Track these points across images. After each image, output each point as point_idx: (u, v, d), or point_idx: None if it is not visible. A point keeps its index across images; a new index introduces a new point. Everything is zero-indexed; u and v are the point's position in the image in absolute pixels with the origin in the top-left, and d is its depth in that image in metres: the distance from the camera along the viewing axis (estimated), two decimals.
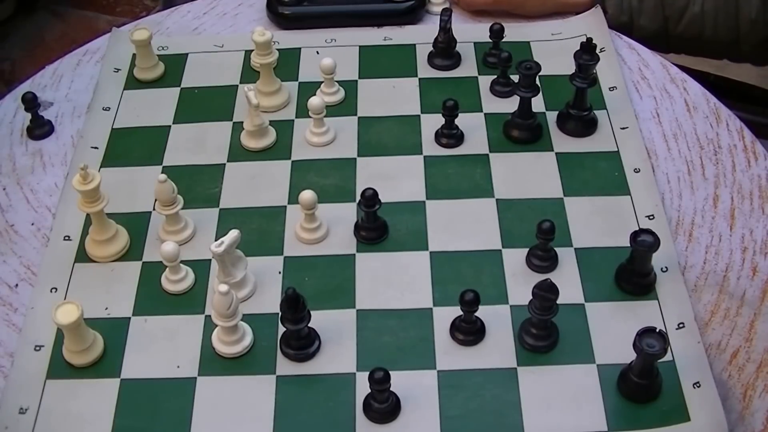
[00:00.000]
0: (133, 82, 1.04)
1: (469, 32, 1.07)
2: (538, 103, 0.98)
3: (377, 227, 0.85)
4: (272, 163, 0.94)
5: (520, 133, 0.94)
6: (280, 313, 0.75)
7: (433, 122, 0.96)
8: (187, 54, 1.07)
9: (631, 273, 0.80)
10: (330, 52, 1.06)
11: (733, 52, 1.11)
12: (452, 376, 0.75)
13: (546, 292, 0.73)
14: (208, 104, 1.01)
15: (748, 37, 1.07)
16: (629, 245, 0.78)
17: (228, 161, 0.94)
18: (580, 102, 0.95)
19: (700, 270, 0.83)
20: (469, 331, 0.77)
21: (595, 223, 0.86)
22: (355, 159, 0.94)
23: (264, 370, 0.76)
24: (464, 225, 0.87)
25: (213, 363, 0.77)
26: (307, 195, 0.83)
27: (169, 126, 0.98)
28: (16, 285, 0.84)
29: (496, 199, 0.89)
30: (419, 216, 0.88)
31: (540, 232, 0.80)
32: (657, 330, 0.70)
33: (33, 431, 0.72)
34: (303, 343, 0.76)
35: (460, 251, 0.84)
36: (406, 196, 0.89)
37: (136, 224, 0.87)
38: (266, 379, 0.75)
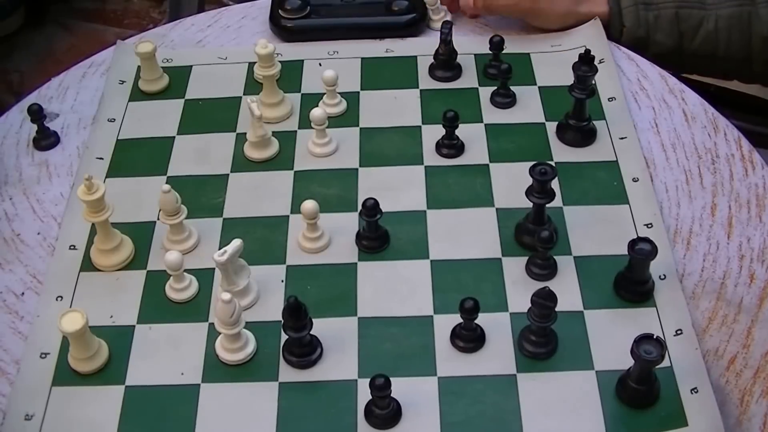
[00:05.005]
0: (137, 94, 1.05)
1: (470, 44, 1.09)
2: (537, 114, 1.00)
3: (378, 236, 0.86)
4: (275, 174, 0.95)
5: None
6: (282, 321, 0.76)
7: (433, 133, 0.97)
8: (191, 66, 1.09)
9: (629, 281, 0.81)
10: (332, 64, 1.07)
11: (744, 71, 1.12)
12: (452, 382, 0.76)
13: (545, 300, 0.74)
14: (211, 116, 1.02)
15: (761, 55, 1.08)
16: (627, 253, 0.79)
17: (231, 172, 0.95)
18: (579, 113, 0.96)
19: (697, 277, 0.84)
20: (469, 339, 0.78)
21: (594, 232, 0.87)
22: (357, 169, 0.95)
23: (267, 377, 0.77)
24: (465, 234, 0.88)
25: (216, 370, 0.77)
26: (309, 205, 0.84)
27: (174, 137, 0.99)
28: (23, 293, 0.85)
29: (496, 209, 0.90)
30: (420, 225, 0.89)
31: (539, 241, 0.81)
32: (654, 336, 0.71)
33: None
34: (305, 350, 0.77)
35: (461, 260, 0.85)
36: (407, 206, 0.90)
37: (141, 234, 0.88)
38: (269, 386, 0.76)
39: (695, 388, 0.74)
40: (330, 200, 0.91)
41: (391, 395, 0.72)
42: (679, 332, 0.78)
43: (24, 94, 1.10)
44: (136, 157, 0.97)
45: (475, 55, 1.08)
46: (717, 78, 1.16)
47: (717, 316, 0.81)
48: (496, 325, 0.79)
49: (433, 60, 1.06)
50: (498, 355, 0.78)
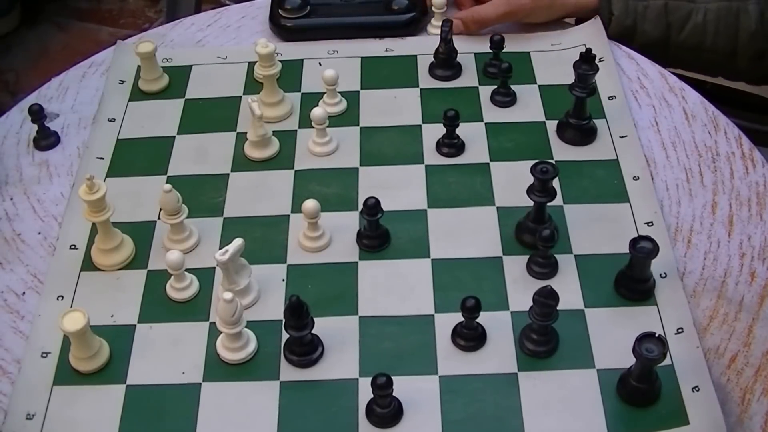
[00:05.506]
0: (137, 94, 1.05)
1: (470, 43, 1.09)
2: (537, 113, 1.00)
3: (379, 235, 0.86)
4: (275, 173, 0.95)
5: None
6: (283, 320, 0.76)
7: (434, 132, 0.97)
8: (191, 66, 1.09)
9: (630, 279, 0.81)
10: (332, 63, 1.07)
11: (729, 65, 1.12)
12: (453, 381, 0.76)
13: (546, 299, 0.74)
14: (211, 115, 1.02)
15: (746, 49, 1.08)
16: (628, 252, 0.79)
17: (231, 171, 0.95)
18: (579, 111, 0.96)
19: (698, 276, 0.84)
20: (470, 337, 0.78)
21: (595, 231, 0.87)
22: (358, 168, 0.95)
23: (268, 376, 0.77)
24: (465, 233, 0.88)
25: (217, 369, 0.78)
26: (310, 204, 0.84)
27: (174, 137, 0.99)
28: (23, 293, 0.85)
29: (497, 207, 0.90)
30: (420, 224, 0.89)
31: (540, 240, 0.81)
32: (656, 335, 0.71)
33: None
34: (306, 349, 0.77)
35: (461, 258, 0.85)
36: (408, 205, 0.90)
37: (142, 233, 0.88)
38: (270, 385, 0.76)
39: (696, 386, 0.74)
40: (330, 199, 0.91)
41: (393, 394, 0.72)
42: (680, 331, 0.78)
43: (20, 93, 1.10)
44: (136, 157, 0.97)
45: (475, 54, 1.08)
46: (701, 73, 1.16)
47: (718, 314, 0.81)
48: (496, 323, 0.79)
49: (433, 59, 1.06)
50: (499, 353, 0.78)
